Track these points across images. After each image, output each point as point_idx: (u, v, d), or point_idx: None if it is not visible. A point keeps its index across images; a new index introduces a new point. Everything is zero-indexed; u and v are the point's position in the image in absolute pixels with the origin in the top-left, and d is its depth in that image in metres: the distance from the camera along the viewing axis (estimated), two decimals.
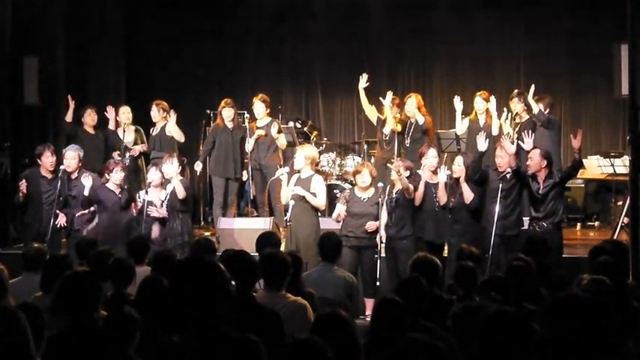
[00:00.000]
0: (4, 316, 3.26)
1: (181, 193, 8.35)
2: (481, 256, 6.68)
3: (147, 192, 8.52)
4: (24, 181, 8.57)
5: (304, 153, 8.31)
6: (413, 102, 9.90)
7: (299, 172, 8.27)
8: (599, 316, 3.22)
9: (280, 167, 9.96)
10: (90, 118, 10.25)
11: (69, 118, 10.21)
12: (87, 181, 8.34)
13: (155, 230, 8.37)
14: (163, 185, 8.52)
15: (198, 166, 10.34)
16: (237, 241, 8.62)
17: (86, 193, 8.30)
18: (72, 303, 3.98)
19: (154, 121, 10.36)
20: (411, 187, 7.99)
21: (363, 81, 10.14)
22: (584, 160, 8.81)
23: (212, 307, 2.93)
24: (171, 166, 8.43)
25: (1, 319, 3.24)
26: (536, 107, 9.68)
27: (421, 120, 9.81)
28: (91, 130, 10.25)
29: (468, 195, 7.96)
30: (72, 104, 10.20)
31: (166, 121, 10.23)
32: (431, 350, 2.77)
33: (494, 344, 3.22)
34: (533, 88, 9.85)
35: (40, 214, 8.63)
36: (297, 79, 13.45)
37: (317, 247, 6.80)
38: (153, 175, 8.55)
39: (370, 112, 10.30)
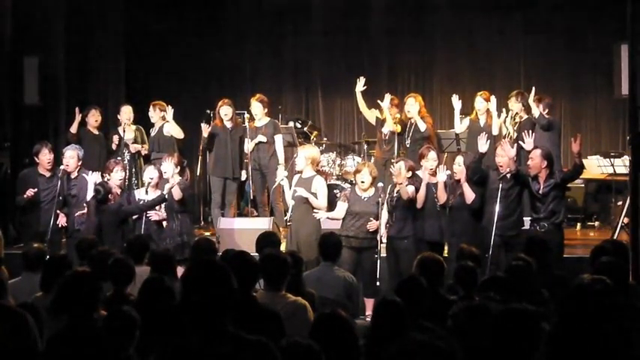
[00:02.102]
0: (11, 318, 3.26)
1: (177, 195, 8.35)
2: (481, 256, 6.67)
3: (147, 192, 8.51)
4: (36, 190, 8.52)
5: (305, 153, 8.31)
6: (413, 103, 9.87)
7: (300, 172, 8.28)
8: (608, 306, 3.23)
9: (280, 166, 9.98)
10: (93, 118, 10.21)
11: (73, 129, 10.09)
12: (92, 177, 8.31)
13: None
14: (159, 186, 8.51)
15: (205, 129, 10.10)
16: (237, 241, 8.61)
17: (90, 187, 8.25)
18: (72, 303, 3.98)
19: (152, 121, 10.35)
20: (412, 190, 7.97)
21: (360, 84, 10.11)
22: (584, 160, 8.81)
23: (225, 309, 2.91)
24: (168, 166, 8.42)
25: (8, 320, 3.24)
26: (537, 110, 9.66)
27: (423, 127, 9.75)
28: (94, 131, 10.23)
29: (470, 195, 7.95)
30: (78, 116, 10.14)
31: (165, 122, 10.21)
32: (431, 350, 2.77)
33: (505, 341, 3.22)
34: (533, 90, 9.84)
35: (39, 212, 8.62)
36: (297, 79, 13.44)
37: (318, 247, 6.79)
38: (151, 173, 8.54)
39: (368, 114, 10.28)
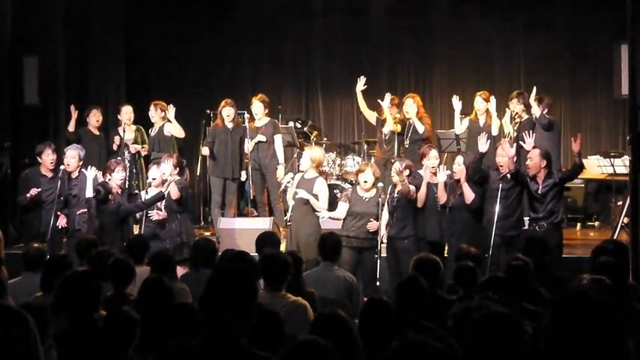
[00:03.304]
0: (11, 318, 3.25)
1: (175, 195, 8.34)
2: (481, 256, 6.68)
3: (147, 191, 8.51)
4: (40, 190, 8.53)
5: (311, 155, 8.30)
6: (411, 104, 9.86)
7: (303, 172, 8.28)
8: (600, 312, 3.23)
9: (280, 166, 10.00)
10: (94, 118, 10.21)
11: (71, 127, 10.12)
12: (90, 172, 8.30)
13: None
14: (164, 184, 8.51)
15: (205, 151, 10.16)
16: (237, 241, 8.61)
17: (88, 184, 8.24)
18: (72, 303, 3.98)
19: (152, 121, 10.35)
20: (412, 188, 7.98)
21: (361, 84, 10.10)
22: (584, 160, 8.83)
23: (243, 322, 2.89)
24: (166, 166, 8.41)
25: (8, 320, 3.23)
26: (537, 110, 9.67)
27: (421, 129, 9.74)
28: (95, 131, 10.22)
29: (469, 195, 7.95)
30: (75, 114, 10.14)
31: (165, 122, 10.21)
32: (429, 351, 2.77)
33: (485, 346, 3.23)
34: (535, 90, 9.84)
35: (40, 212, 8.62)
36: (297, 79, 13.44)
37: (318, 247, 6.79)
38: (154, 173, 8.54)
39: (368, 114, 10.27)
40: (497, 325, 3.24)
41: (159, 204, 8.45)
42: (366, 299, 4.62)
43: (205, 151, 10.17)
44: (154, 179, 8.46)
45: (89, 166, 8.48)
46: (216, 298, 2.90)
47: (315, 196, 8.06)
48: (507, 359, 3.18)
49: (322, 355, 3.05)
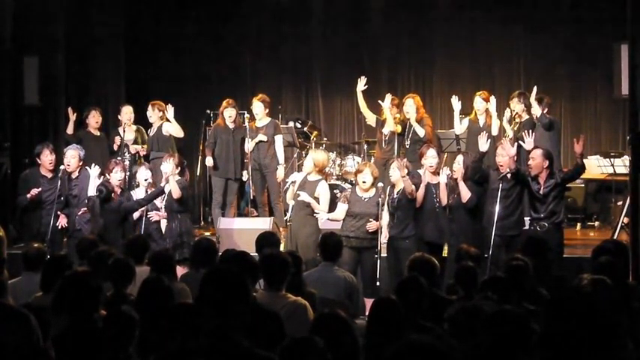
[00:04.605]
0: (14, 318, 3.25)
1: (176, 194, 8.35)
2: (481, 256, 6.67)
3: (147, 191, 8.52)
4: (40, 190, 8.53)
5: (314, 158, 8.29)
6: (412, 104, 9.84)
7: (307, 174, 8.28)
8: (597, 313, 3.23)
9: (280, 166, 10.01)
10: (94, 119, 10.19)
11: (70, 130, 10.13)
12: (93, 171, 8.30)
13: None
14: (156, 184, 8.52)
15: (209, 162, 10.16)
16: (237, 241, 8.61)
17: (91, 182, 8.24)
18: (72, 303, 3.98)
19: (150, 121, 10.34)
20: (413, 187, 7.98)
21: (362, 84, 10.10)
22: (584, 160, 8.83)
23: (239, 319, 2.90)
24: (168, 166, 8.42)
25: (11, 320, 3.23)
26: (538, 110, 9.67)
27: (421, 133, 9.72)
28: (95, 132, 10.22)
29: (465, 194, 7.95)
30: (73, 117, 10.14)
31: (163, 121, 10.20)
32: (429, 351, 2.77)
33: (495, 343, 3.23)
34: (535, 89, 9.84)
35: (40, 213, 8.63)
36: (297, 79, 13.44)
37: (317, 248, 6.79)
38: (145, 174, 8.55)
39: (368, 115, 10.25)
40: (507, 323, 3.24)
41: (158, 204, 8.46)
42: (374, 299, 4.60)
43: (209, 161, 10.13)
44: (146, 180, 8.49)
45: (93, 164, 8.49)
46: (208, 299, 2.91)
47: (317, 199, 8.07)
48: (516, 357, 3.19)
49: (315, 353, 3.06)
